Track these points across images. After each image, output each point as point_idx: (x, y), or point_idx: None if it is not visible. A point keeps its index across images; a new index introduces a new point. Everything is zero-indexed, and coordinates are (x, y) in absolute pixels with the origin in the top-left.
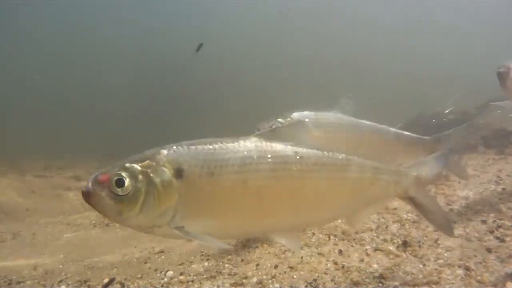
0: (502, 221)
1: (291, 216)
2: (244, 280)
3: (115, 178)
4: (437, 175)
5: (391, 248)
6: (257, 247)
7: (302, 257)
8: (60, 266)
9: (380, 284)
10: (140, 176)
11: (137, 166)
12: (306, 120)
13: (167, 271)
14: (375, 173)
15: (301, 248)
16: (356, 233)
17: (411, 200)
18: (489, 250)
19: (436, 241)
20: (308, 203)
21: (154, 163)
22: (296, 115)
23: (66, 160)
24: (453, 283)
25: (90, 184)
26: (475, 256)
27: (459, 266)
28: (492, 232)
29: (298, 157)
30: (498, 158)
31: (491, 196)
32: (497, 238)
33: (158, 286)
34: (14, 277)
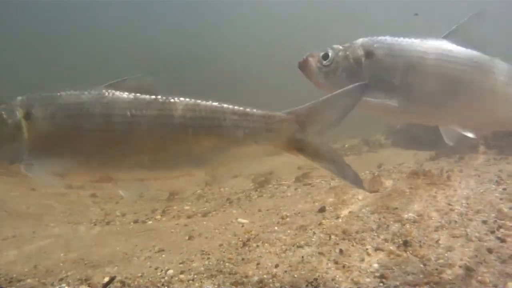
0: (503, 221)
1: (127, 163)
2: (244, 279)
3: None
4: None
5: (392, 247)
6: (257, 246)
7: (303, 257)
8: (61, 264)
9: (381, 284)
10: None
11: None
12: (375, 45)
13: (167, 270)
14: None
15: (302, 247)
16: (357, 232)
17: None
18: (490, 251)
19: (437, 241)
20: (145, 151)
21: (9, 107)
22: (363, 41)
23: None
24: (453, 283)
25: None
26: (476, 256)
27: (460, 266)
28: (493, 232)
29: (137, 103)
30: (499, 158)
31: (492, 196)
32: (498, 238)
33: (158, 284)
34: (14, 275)
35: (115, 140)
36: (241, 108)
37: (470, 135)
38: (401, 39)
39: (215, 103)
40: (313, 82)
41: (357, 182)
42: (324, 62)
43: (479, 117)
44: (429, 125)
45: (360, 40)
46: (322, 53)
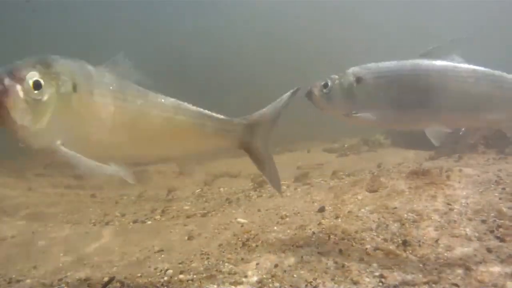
0: (502, 221)
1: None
2: (244, 279)
3: (34, 79)
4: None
5: (391, 247)
6: (257, 246)
7: (302, 257)
8: (60, 265)
9: (380, 284)
10: (53, 82)
11: (49, 72)
12: (366, 71)
13: (167, 270)
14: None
15: (301, 247)
16: (356, 232)
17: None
18: (489, 250)
19: (436, 240)
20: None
21: (58, 72)
22: (353, 69)
23: None
24: (453, 283)
25: (5, 79)
26: (475, 255)
27: (459, 266)
28: (492, 231)
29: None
30: (498, 157)
31: (491, 196)
32: (497, 237)
33: (158, 285)
34: (13, 276)
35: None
36: (209, 112)
37: (449, 130)
38: (383, 63)
39: (195, 107)
40: (318, 107)
41: (278, 188)
42: (325, 90)
43: (455, 118)
44: (416, 129)
45: (351, 69)
46: (322, 83)
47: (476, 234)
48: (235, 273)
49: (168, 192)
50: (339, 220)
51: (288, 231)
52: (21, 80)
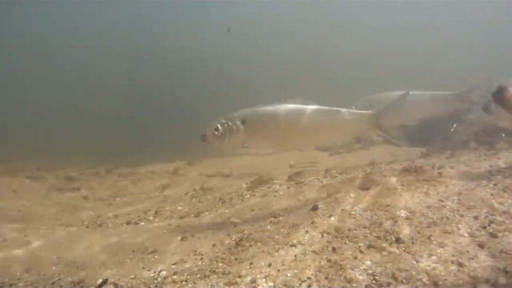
0: (494, 217)
1: None
2: (237, 279)
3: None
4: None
5: (385, 245)
6: (250, 245)
7: (296, 255)
8: (53, 268)
9: (374, 281)
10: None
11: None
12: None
13: (160, 271)
14: None
15: (294, 245)
16: (350, 230)
17: None
18: (481, 246)
19: (429, 237)
20: None
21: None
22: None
23: (58, 161)
24: (446, 279)
25: None
26: (468, 252)
27: (452, 262)
28: (484, 227)
29: None
30: (489, 153)
31: (483, 192)
32: (490, 233)
33: (151, 286)
34: (6, 279)
35: None
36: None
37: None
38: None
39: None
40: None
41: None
42: (216, 133)
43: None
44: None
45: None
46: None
47: (469, 230)
48: (229, 273)
49: (161, 193)
50: (332, 218)
51: (282, 230)
52: None
